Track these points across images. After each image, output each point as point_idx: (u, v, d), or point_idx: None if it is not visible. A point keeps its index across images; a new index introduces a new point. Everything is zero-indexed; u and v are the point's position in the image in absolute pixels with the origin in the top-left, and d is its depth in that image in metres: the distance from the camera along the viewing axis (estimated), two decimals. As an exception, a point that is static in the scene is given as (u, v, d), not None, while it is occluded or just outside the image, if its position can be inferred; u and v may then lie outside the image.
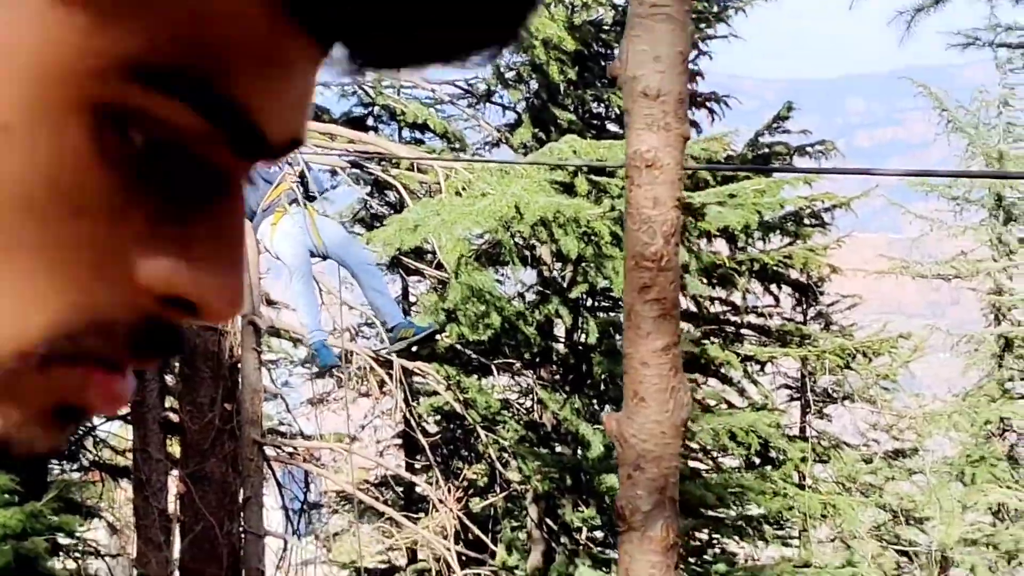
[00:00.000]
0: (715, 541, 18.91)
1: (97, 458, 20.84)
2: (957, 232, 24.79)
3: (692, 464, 18.88)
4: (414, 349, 19.65)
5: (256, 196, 10.85)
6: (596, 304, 20.26)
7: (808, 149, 20.28)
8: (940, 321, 26.29)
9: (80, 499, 19.59)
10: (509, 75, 19.76)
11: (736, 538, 18.57)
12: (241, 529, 16.27)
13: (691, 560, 18.00)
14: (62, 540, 17.33)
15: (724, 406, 18.98)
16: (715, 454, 19.14)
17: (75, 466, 20.89)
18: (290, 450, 18.43)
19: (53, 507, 14.94)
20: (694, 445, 18.66)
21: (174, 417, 16.90)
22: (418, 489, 20.75)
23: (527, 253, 18.83)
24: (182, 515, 16.43)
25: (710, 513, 18.00)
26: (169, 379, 17.79)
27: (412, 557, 20.98)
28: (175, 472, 16.94)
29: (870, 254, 26.74)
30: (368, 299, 11.29)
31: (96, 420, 21.12)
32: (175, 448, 17.66)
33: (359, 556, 19.31)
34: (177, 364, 17.00)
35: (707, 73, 20.70)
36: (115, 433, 22.21)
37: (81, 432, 20.69)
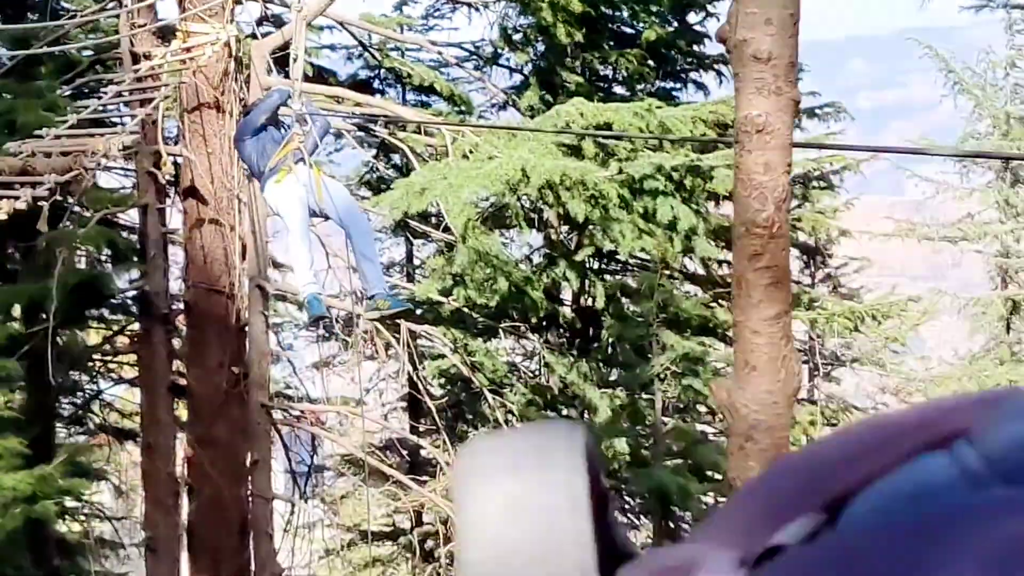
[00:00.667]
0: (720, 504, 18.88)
1: (104, 422, 20.83)
2: (963, 195, 24.67)
3: (700, 428, 18.89)
4: (418, 312, 19.66)
5: (265, 157, 10.89)
6: (603, 267, 20.21)
7: (817, 111, 20.19)
8: (942, 284, 26.22)
9: (88, 462, 19.61)
10: (515, 37, 19.67)
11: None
12: (249, 492, 16.27)
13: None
14: (69, 503, 17.33)
15: (731, 369, 18.95)
16: (721, 417, 19.08)
17: (82, 430, 20.89)
18: (297, 413, 18.42)
19: (61, 471, 14.94)
20: (702, 409, 18.68)
21: (182, 381, 16.87)
22: (424, 452, 20.76)
23: (534, 216, 18.77)
24: (190, 478, 16.44)
25: (718, 476, 18.01)
26: (177, 343, 17.76)
27: (418, 520, 20.98)
28: (183, 435, 16.94)
29: (875, 217, 26.62)
30: (357, 263, 11.34)
31: (103, 384, 21.12)
32: (183, 412, 17.64)
33: (366, 519, 19.34)
34: (185, 328, 16.98)
35: (711, 35, 20.62)
36: (122, 397, 22.19)
37: (88, 396, 20.69)
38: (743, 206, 3.63)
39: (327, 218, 11.20)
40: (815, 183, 19.81)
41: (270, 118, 11.06)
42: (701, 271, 19.53)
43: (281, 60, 15.33)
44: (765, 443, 3.83)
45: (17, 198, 9.52)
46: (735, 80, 3.62)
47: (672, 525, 18.01)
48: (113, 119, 13.98)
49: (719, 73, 20.28)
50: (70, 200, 16.00)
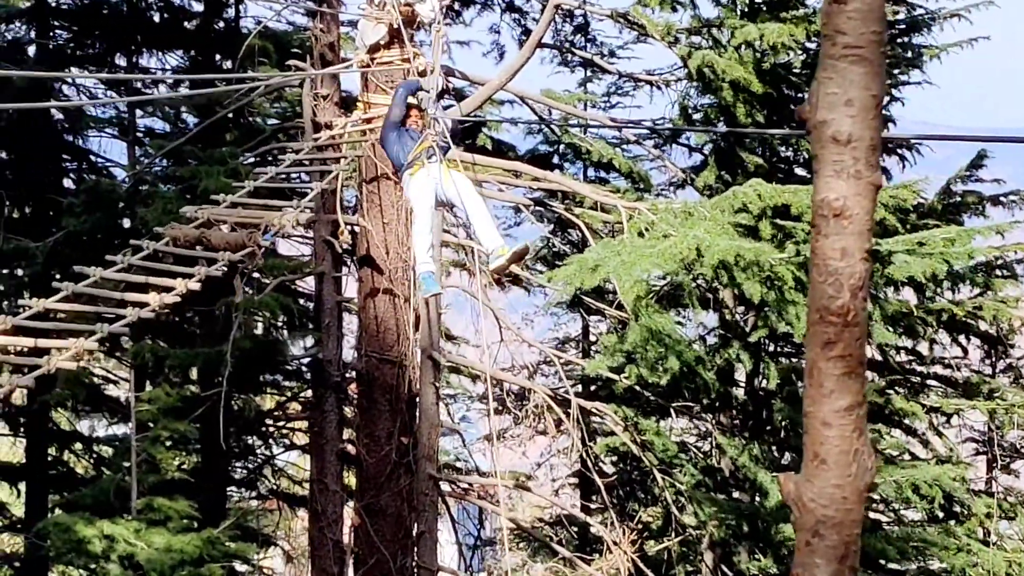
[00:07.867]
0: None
1: (275, 487, 21.02)
2: None
3: (873, 516, 18.49)
4: (591, 388, 19.53)
5: (404, 153, 12.17)
6: (778, 349, 19.95)
7: (1002, 199, 19.77)
8: None
9: (257, 527, 19.76)
10: (696, 116, 19.58)
11: (916, 594, 18.10)
12: (414, 564, 16.26)
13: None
14: (238, 567, 17.47)
15: (908, 458, 18.59)
16: (897, 507, 18.69)
17: (253, 494, 21.09)
18: (465, 486, 18.40)
19: (230, 534, 15.07)
20: (875, 496, 18.28)
21: (352, 449, 16.94)
22: (592, 529, 20.61)
23: (708, 296, 18.62)
24: (356, 547, 16.47)
25: (891, 567, 17.61)
26: (348, 411, 17.85)
27: (584, 598, 20.81)
28: (351, 504, 16.99)
29: (1060, 307, 25.91)
30: (474, 231, 12.22)
31: (275, 449, 21.33)
32: (352, 480, 17.71)
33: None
34: (356, 397, 17.06)
35: (899, 119, 20.37)
36: (293, 463, 22.40)
37: (260, 461, 20.90)
38: (817, 292, 3.51)
39: (452, 205, 12.42)
40: (998, 272, 19.33)
41: (404, 109, 12.45)
42: (878, 356, 19.16)
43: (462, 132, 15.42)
44: (833, 540, 3.65)
45: (191, 276, 9.67)
46: (814, 163, 3.52)
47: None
48: (292, 188, 14.16)
49: (902, 157, 20.01)
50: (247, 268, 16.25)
